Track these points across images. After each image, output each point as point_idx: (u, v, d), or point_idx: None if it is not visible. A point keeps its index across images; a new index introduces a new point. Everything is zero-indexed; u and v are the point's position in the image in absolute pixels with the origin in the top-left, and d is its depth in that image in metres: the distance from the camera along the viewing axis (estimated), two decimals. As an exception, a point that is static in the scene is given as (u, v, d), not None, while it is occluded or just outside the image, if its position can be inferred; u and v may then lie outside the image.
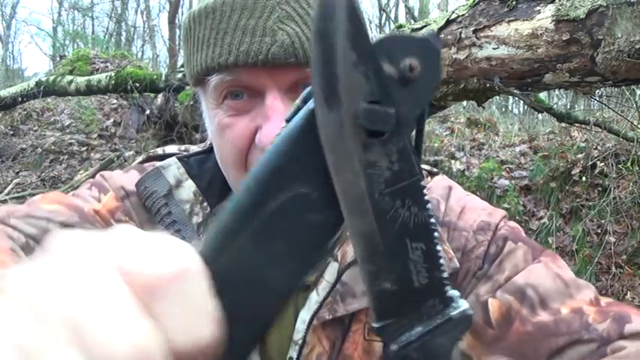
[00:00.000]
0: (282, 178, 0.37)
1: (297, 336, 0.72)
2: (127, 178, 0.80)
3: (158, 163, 0.80)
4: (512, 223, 0.79)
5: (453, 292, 0.39)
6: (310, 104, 0.38)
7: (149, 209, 0.77)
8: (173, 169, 0.79)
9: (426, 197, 0.38)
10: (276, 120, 0.65)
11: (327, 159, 0.37)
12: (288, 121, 0.40)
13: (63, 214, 0.71)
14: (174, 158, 0.80)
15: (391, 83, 0.36)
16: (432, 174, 0.86)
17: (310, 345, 0.72)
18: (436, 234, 0.38)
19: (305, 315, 0.73)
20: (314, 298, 0.73)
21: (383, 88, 0.36)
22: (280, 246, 0.37)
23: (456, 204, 0.79)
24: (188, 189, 0.78)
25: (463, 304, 0.39)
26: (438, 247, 0.38)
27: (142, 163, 0.84)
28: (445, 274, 0.39)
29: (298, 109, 0.39)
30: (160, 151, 0.86)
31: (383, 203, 0.37)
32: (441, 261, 0.39)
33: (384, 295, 0.38)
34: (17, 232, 0.67)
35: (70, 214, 0.71)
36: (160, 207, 0.76)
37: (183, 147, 0.87)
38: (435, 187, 0.82)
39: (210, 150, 0.82)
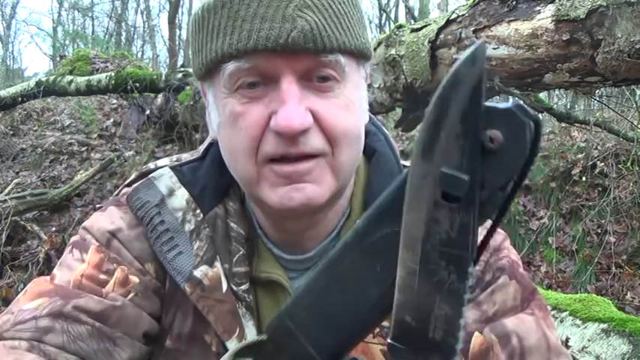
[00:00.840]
0: (387, 216, 0.46)
1: None
2: (107, 218, 0.81)
3: (150, 175, 0.81)
4: (513, 253, 0.79)
5: None
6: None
7: (141, 219, 0.78)
8: (165, 179, 0.80)
9: (470, 276, 0.43)
10: (292, 103, 0.66)
11: (406, 196, 0.43)
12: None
13: (46, 305, 0.72)
14: (166, 168, 0.81)
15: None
16: None
17: None
18: (464, 309, 0.43)
19: None
20: None
21: (474, 166, 0.40)
22: (380, 268, 0.46)
23: None
24: (181, 197, 0.78)
25: None
26: (462, 321, 0.43)
27: (135, 180, 0.84)
28: (458, 345, 0.43)
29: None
30: (152, 165, 0.87)
31: (431, 255, 0.43)
32: (460, 333, 0.43)
33: (403, 324, 0.44)
34: (16, 341, 0.69)
35: (53, 300, 0.73)
36: (153, 216, 0.77)
37: (174, 157, 0.88)
38: None
39: (202, 157, 0.83)
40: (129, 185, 0.84)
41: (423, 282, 0.43)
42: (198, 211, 0.78)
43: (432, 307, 0.43)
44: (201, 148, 0.86)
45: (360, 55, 0.72)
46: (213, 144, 0.83)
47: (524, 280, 0.77)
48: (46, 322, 0.71)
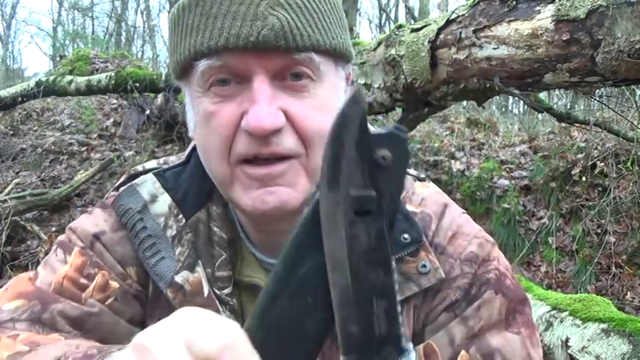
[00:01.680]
0: (305, 250, 0.50)
1: None
2: (92, 221, 0.82)
3: (134, 181, 0.82)
4: (502, 264, 0.79)
5: (408, 345, 0.48)
6: (316, 197, 0.50)
7: (125, 225, 0.79)
8: (148, 185, 0.80)
9: (394, 267, 0.49)
10: (263, 103, 0.65)
11: (322, 226, 0.49)
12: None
13: (24, 308, 0.74)
14: (150, 174, 0.82)
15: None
16: (419, 179, 0.86)
17: None
18: (398, 298, 0.49)
19: None
20: None
21: (374, 184, 0.48)
22: (312, 299, 0.49)
23: (448, 226, 0.78)
24: (163, 203, 0.79)
25: (413, 357, 0.48)
26: (398, 308, 0.48)
27: (124, 182, 0.85)
28: (402, 330, 0.48)
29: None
30: (140, 167, 0.88)
31: (359, 267, 0.48)
32: (400, 319, 0.48)
33: (351, 336, 0.48)
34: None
35: (32, 304, 0.74)
36: (135, 222, 0.78)
37: (162, 160, 0.88)
38: (430, 202, 0.81)
39: (186, 162, 0.83)
40: (118, 188, 0.85)
41: (358, 293, 0.48)
42: (180, 216, 0.78)
43: (372, 309, 0.48)
44: (187, 150, 0.86)
45: (337, 56, 0.72)
46: (196, 148, 0.83)
47: (511, 292, 0.76)
48: (23, 327, 0.72)
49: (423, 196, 0.81)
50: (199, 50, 0.66)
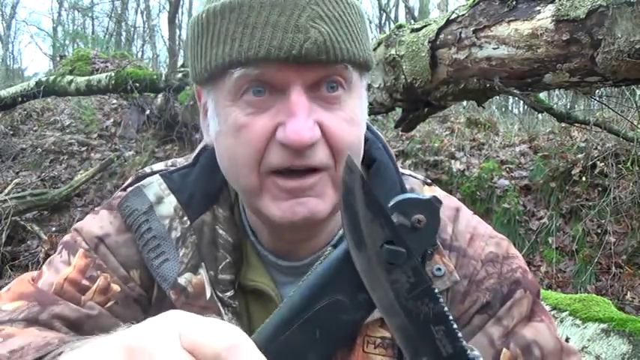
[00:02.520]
0: (326, 289, 0.55)
1: None
2: (98, 223, 0.82)
3: (140, 182, 0.82)
4: (520, 258, 0.82)
5: (474, 354, 0.54)
6: (344, 245, 0.56)
7: (130, 227, 0.79)
8: (154, 187, 0.80)
9: (438, 294, 0.53)
10: (302, 116, 0.65)
11: (364, 280, 0.54)
12: (334, 246, 0.59)
13: (23, 309, 0.74)
14: (157, 175, 0.82)
15: (404, 230, 0.55)
16: (426, 183, 0.87)
17: None
18: (451, 317, 0.53)
19: None
20: None
21: (396, 233, 0.54)
22: (320, 334, 0.54)
23: (465, 229, 0.81)
24: (169, 204, 0.79)
25: None
26: (455, 325, 0.53)
27: (131, 183, 0.85)
28: (464, 343, 0.53)
29: (342, 238, 0.57)
30: (147, 169, 0.87)
31: (408, 305, 0.54)
32: (459, 334, 0.52)
33: None
34: None
35: (31, 305, 0.74)
36: (141, 223, 0.78)
37: (170, 162, 0.88)
38: (443, 207, 0.81)
39: (193, 164, 0.83)
40: (125, 189, 0.85)
41: (416, 327, 0.54)
42: (185, 218, 0.78)
43: (433, 336, 0.54)
44: (195, 153, 0.86)
45: (364, 66, 0.73)
46: (205, 150, 0.83)
47: (532, 285, 0.80)
48: (20, 327, 0.72)
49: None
50: (236, 59, 0.65)
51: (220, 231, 0.79)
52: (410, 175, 0.87)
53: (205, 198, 0.80)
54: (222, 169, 0.75)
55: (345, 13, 0.68)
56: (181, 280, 0.75)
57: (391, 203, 0.57)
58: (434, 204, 0.56)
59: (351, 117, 0.70)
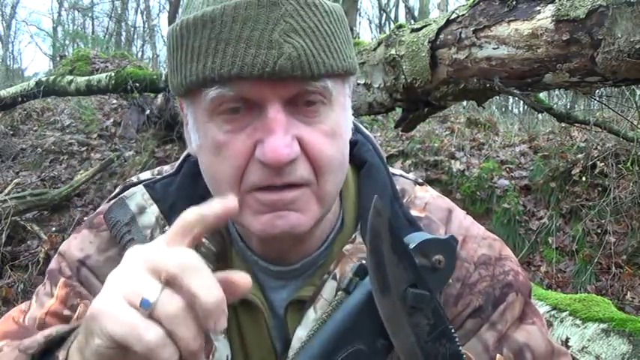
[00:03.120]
0: (347, 337, 0.56)
1: (292, 353, 0.73)
2: (79, 244, 0.83)
3: (123, 194, 0.82)
4: (512, 260, 0.82)
5: None
6: (365, 284, 0.57)
7: (115, 238, 0.80)
8: (137, 197, 0.80)
9: (455, 334, 0.57)
10: (279, 133, 0.64)
11: (386, 326, 0.55)
12: (347, 291, 0.62)
13: (9, 349, 0.75)
14: (140, 186, 0.82)
15: (425, 271, 0.57)
16: (417, 183, 0.87)
17: None
18: (464, 355, 0.56)
19: (301, 332, 0.73)
20: (311, 317, 0.73)
21: (419, 276, 0.56)
22: None
23: (457, 231, 0.79)
24: (151, 214, 0.79)
25: None
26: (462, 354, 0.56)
27: (117, 194, 0.85)
28: None
29: (353, 281, 0.61)
30: (134, 179, 0.87)
31: (427, 347, 0.56)
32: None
33: None
34: None
35: (17, 344, 0.74)
36: (123, 234, 0.78)
37: (156, 170, 0.88)
38: (434, 207, 0.82)
39: (177, 173, 0.83)
40: (111, 200, 0.85)
41: None
42: (166, 227, 0.77)
43: None
44: (179, 162, 0.86)
45: (346, 74, 0.71)
46: (188, 158, 0.83)
47: (525, 287, 0.80)
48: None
49: (425, 200, 0.82)
50: (209, 77, 0.64)
51: (203, 240, 0.77)
52: (401, 176, 0.86)
53: (188, 207, 0.78)
54: (207, 185, 0.74)
55: (321, 23, 0.66)
56: None
57: (412, 245, 0.58)
58: (452, 244, 0.59)
59: (332, 129, 0.69)
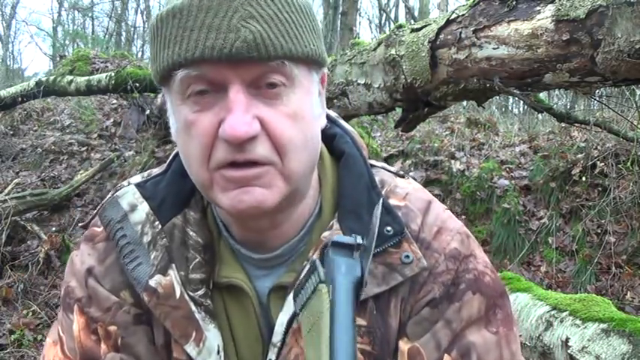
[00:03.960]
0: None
1: (276, 338, 0.78)
2: (80, 259, 0.87)
3: (116, 193, 0.87)
4: (480, 260, 0.83)
5: None
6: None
7: (108, 235, 0.84)
8: (128, 196, 0.85)
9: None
10: (238, 111, 0.69)
11: None
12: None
13: None
14: (132, 185, 0.87)
15: None
16: (399, 175, 0.89)
17: (289, 346, 0.77)
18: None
19: (283, 317, 0.78)
20: (291, 301, 0.75)
21: None
22: None
23: (433, 221, 0.83)
24: (142, 211, 0.83)
25: None
26: None
27: (110, 196, 0.89)
28: None
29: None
30: (125, 183, 0.91)
31: None
32: None
33: None
34: None
35: None
36: (116, 231, 0.83)
37: (146, 173, 0.92)
38: (414, 198, 0.85)
39: (166, 171, 0.88)
40: (103, 205, 0.89)
41: None
42: (156, 222, 0.82)
43: None
44: (168, 160, 0.90)
45: (310, 62, 0.75)
46: (177, 156, 0.86)
47: (490, 289, 0.80)
48: None
49: (407, 191, 0.85)
50: (177, 61, 0.69)
51: (191, 232, 0.82)
52: (382, 168, 0.90)
53: (176, 202, 0.84)
54: (184, 165, 0.78)
55: (281, 11, 0.70)
56: (152, 282, 0.79)
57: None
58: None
59: (294, 112, 0.72)
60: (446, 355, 0.76)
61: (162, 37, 0.71)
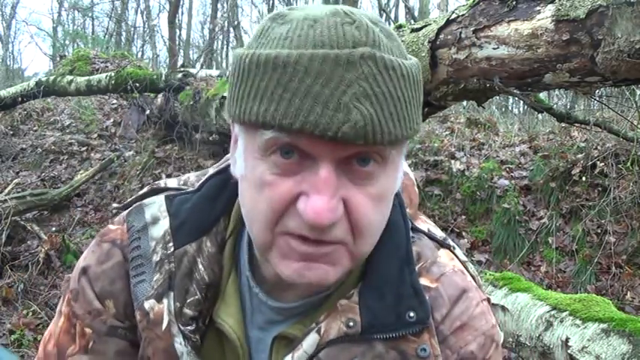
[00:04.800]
0: None
1: None
2: (86, 253, 0.85)
3: (144, 200, 0.83)
4: (488, 324, 0.77)
5: None
6: None
7: (114, 240, 0.82)
8: (154, 207, 0.81)
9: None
10: (326, 196, 0.62)
11: None
12: None
13: None
14: (161, 196, 0.82)
15: None
16: (443, 245, 0.81)
17: None
18: None
19: None
20: None
21: None
22: None
23: (458, 315, 0.76)
24: (161, 227, 0.79)
25: None
26: None
27: (145, 193, 0.86)
28: None
29: None
30: (162, 183, 0.87)
31: None
32: None
33: None
34: None
35: None
36: (133, 240, 0.79)
37: (183, 179, 0.87)
38: (448, 282, 0.77)
39: (196, 191, 0.82)
40: (138, 197, 0.86)
41: None
42: (170, 244, 0.77)
43: None
44: (205, 177, 0.84)
45: (407, 140, 0.68)
46: (212, 178, 0.82)
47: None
48: None
49: (444, 271, 0.77)
50: (269, 123, 0.61)
51: (200, 266, 0.77)
52: (426, 234, 0.81)
53: (196, 228, 0.78)
54: (242, 214, 0.72)
55: (396, 89, 0.62)
56: (146, 305, 0.76)
57: None
58: None
59: (380, 194, 0.66)
60: None
61: (255, 85, 0.63)
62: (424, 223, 0.83)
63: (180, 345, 0.76)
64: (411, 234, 0.78)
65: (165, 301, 0.76)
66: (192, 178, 0.86)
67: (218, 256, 0.78)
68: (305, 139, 0.61)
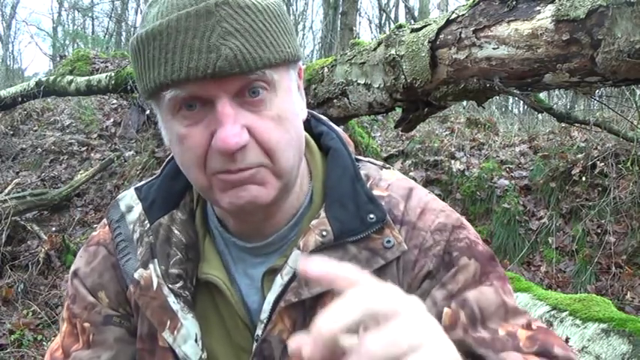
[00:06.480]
0: None
1: (263, 315, 0.84)
2: (76, 259, 0.98)
3: (118, 196, 0.98)
4: (471, 232, 0.89)
5: None
6: None
7: (112, 233, 0.95)
8: (127, 199, 0.96)
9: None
10: (227, 124, 0.74)
11: None
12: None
13: None
14: (131, 189, 0.97)
15: None
16: (385, 168, 0.95)
17: (273, 323, 0.83)
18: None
19: (270, 297, 0.84)
20: (278, 282, 0.84)
21: None
22: None
23: (416, 204, 0.88)
24: (136, 212, 0.93)
25: None
26: None
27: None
28: None
29: None
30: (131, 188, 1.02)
31: None
32: None
33: None
34: None
35: None
36: (114, 229, 0.93)
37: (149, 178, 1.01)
38: (396, 186, 0.90)
39: (159, 175, 0.96)
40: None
41: None
42: (146, 222, 0.91)
43: None
44: (164, 165, 0.97)
45: (288, 60, 0.79)
46: (172, 160, 0.94)
47: (482, 256, 0.86)
48: None
49: (390, 182, 0.90)
50: (164, 82, 0.74)
51: (175, 231, 0.90)
52: (368, 162, 0.95)
53: (165, 203, 0.92)
54: (182, 171, 0.84)
55: (255, 22, 0.74)
56: (136, 275, 0.88)
57: None
58: None
59: (278, 114, 0.78)
60: (446, 308, 0.81)
61: (145, 59, 0.75)
62: (363, 157, 0.97)
63: (174, 303, 0.86)
64: (356, 163, 0.91)
65: (150, 266, 0.87)
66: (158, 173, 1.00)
67: (190, 222, 0.92)
68: (196, 87, 0.73)
